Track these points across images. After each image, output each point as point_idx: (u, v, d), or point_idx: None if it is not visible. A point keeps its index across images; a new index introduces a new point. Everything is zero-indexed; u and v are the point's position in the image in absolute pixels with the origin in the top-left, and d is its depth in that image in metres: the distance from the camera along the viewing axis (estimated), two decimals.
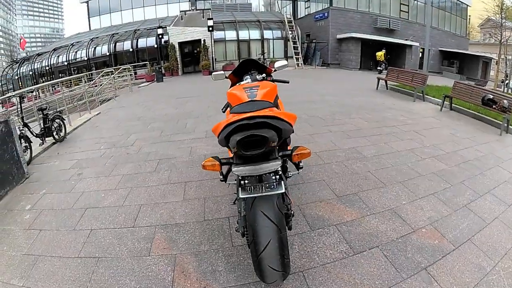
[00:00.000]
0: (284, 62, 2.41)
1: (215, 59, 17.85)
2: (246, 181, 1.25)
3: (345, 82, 11.83)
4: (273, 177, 1.25)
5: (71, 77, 13.35)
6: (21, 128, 4.37)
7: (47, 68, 21.55)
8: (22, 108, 4.69)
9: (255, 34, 19.39)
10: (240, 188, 1.26)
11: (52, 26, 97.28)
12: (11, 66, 25.49)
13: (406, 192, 2.73)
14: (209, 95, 8.60)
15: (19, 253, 2.16)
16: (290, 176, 1.99)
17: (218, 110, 3.00)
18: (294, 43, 18.37)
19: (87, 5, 27.97)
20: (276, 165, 1.15)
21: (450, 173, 3.16)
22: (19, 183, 3.44)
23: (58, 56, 21.42)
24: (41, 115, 4.92)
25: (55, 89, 15.96)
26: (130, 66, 14.37)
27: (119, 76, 13.43)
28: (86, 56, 20.08)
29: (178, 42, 18.15)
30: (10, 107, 12.01)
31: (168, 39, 18.31)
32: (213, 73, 2.53)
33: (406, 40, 18.56)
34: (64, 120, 5.56)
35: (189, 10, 24.70)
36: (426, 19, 14.67)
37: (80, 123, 6.38)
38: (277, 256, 1.28)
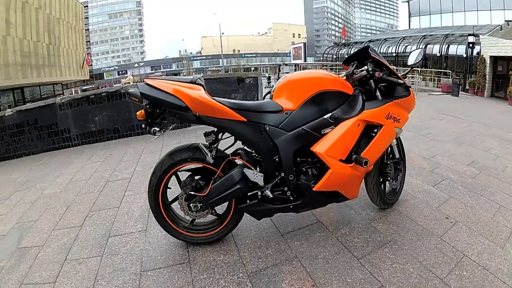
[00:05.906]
0: (419, 53, 1.93)
1: None
2: None
3: None
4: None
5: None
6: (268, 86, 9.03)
7: None
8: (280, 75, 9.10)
9: None
10: None
11: (387, 21, 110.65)
12: (333, 47, 34.34)
13: None
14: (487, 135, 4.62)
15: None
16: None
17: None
18: None
19: (408, 5, 29.97)
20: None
21: None
22: None
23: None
24: None
25: None
26: (432, 71, 14.74)
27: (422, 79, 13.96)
28: (395, 52, 23.41)
29: (490, 56, 14.69)
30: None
31: (480, 50, 15.44)
32: None
33: None
34: None
35: None
36: None
37: None
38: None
